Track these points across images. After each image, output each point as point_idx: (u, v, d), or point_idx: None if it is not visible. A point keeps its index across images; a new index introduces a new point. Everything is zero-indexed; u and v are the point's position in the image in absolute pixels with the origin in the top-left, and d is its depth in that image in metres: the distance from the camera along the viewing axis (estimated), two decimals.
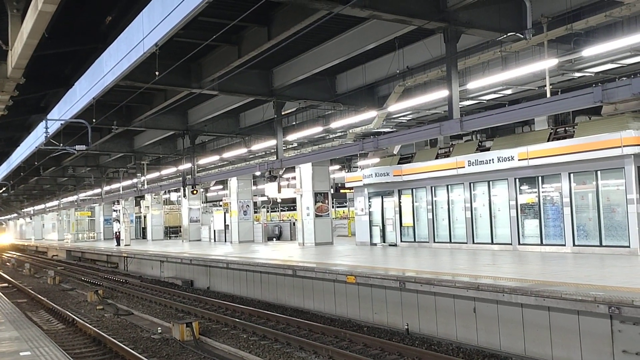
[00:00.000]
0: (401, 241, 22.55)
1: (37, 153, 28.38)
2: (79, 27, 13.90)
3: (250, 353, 11.00)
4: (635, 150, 14.72)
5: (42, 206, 72.55)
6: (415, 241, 21.94)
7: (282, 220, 45.82)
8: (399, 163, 22.76)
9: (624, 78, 12.76)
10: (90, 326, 13.79)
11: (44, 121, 20.41)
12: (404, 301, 12.48)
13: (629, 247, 14.95)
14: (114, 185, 51.53)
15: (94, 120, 20.39)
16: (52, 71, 17.05)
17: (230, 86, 21.20)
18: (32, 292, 22.07)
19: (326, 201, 25.97)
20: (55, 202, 65.16)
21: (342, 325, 13.28)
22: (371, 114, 22.37)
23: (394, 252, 19.79)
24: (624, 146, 14.80)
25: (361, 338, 11.53)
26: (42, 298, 19.83)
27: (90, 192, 57.34)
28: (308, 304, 15.65)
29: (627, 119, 15.21)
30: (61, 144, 21.89)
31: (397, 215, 22.68)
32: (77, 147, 20.87)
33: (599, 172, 15.79)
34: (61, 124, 21.42)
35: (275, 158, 24.63)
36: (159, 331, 13.40)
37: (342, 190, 38.19)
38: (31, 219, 77.26)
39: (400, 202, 22.60)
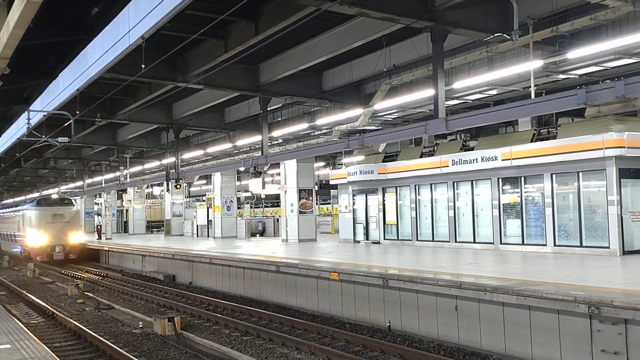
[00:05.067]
0: (384, 239, 22.64)
1: (19, 144, 28.05)
2: (65, 17, 13.74)
3: (232, 348, 10.98)
4: (617, 152, 14.90)
5: (22, 198, 71.64)
6: (398, 239, 22.03)
7: (266, 216, 45.74)
8: (383, 161, 22.82)
9: (608, 81, 12.94)
10: (70, 320, 13.66)
11: (26, 112, 20.20)
12: (387, 298, 12.53)
13: (608, 247, 15.14)
14: (96, 178, 51.13)
15: (77, 112, 20.22)
16: (36, 62, 16.84)
17: (216, 81, 21.12)
18: (12, 284, 21.82)
19: (310, 198, 25.98)
20: (36, 195, 64.43)
21: (325, 321, 13.31)
22: (357, 111, 22.41)
23: (377, 250, 19.85)
24: (605, 148, 14.97)
25: (343, 335, 11.57)
26: (22, 291, 19.61)
27: (72, 185, 56.79)
28: (291, 301, 15.65)
29: (609, 122, 15.39)
30: (43, 136, 21.69)
31: (381, 213, 22.75)
32: (60, 139, 20.72)
33: (580, 174, 15.96)
34: (44, 115, 21.19)
35: (260, 154, 24.59)
36: (141, 326, 13.33)
37: (326, 183, 38.22)
38: None
39: (384, 200, 22.67)
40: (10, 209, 40.26)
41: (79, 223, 34.24)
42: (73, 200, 35.46)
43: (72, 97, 19.31)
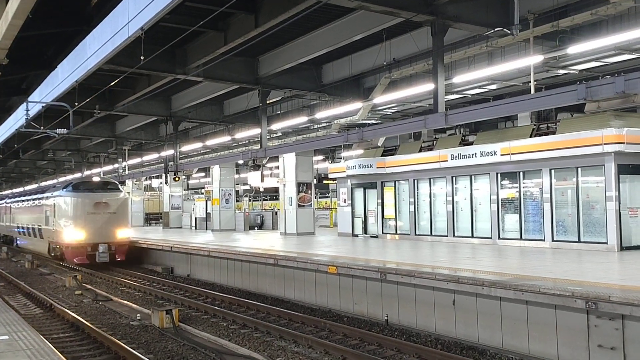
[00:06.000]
0: (382, 233, 22.65)
1: (17, 135, 27.99)
2: (64, 8, 13.69)
3: (230, 341, 11.00)
4: (616, 148, 14.91)
5: (20, 189, 71.61)
6: (396, 233, 22.06)
7: (264, 209, 45.77)
8: (382, 155, 22.82)
9: (608, 76, 12.90)
10: (68, 311, 13.67)
11: (24, 103, 20.13)
12: (384, 292, 12.55)
13: (606, 243, 15.17)
14: (95, 170, 51.03)
15: (75, 104, 20.15)
16: (35, 53, 16.80)
17: (215, 73, 21.05)
18: (10, 276, 21.83)
19: (309, 191, 25.97)
20: (35, 186, 64.43)
21: (322, 315, 13.33)
22: (356, 105, 22.38)
23: (375, 244, 19.87)
24: (604, 144, 14.98)
25: (341, 328, 11.59)
26: (20, 282, 19.62)
27: (70, 177, 56.73)
28: (289, 294, 15.67)
29: (609, 117, 15.38)
30: (42, 127, 21.62)
31: (380, 207, 22.76)
32: (58, 130, 20.66)
33: (579, 169, 15.98)
34: (42, 106, 21.13)
35: (259, 147, 24.55)
36: (138, 318, 13.34)
37: (325, 181, 38.25)
38: None
39: (382, 194, 22.68)
40: (33, 197, 30.82)
41: (127, 215, 26.74)
42: (119, 185, 27.29)
43: (71, 88, 19.24)
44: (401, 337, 10.96)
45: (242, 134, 31.53)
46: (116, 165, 41.17)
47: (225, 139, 33.45)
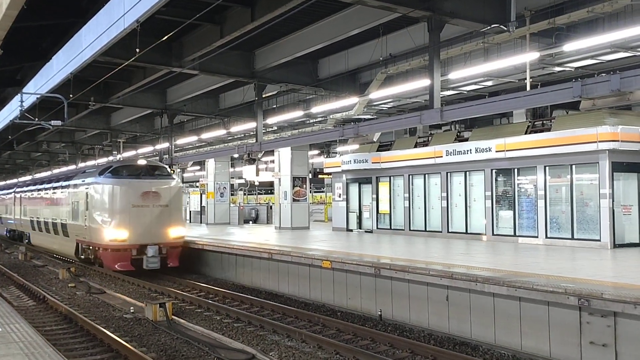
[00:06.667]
0: (377, 228, 22.69)
1: (11, 127, 27.87)
2: None
3: (224, 335, 11.00)
4: (610, 146, 14.95)
5: (14, 180, 71.30)
6: (391, 228, 22.09)
7: (259, 203, 45.75)
8: (378, 150, 22.83)
9: (603, 74, 12.95)
10: (61, 304, 13.65)
11: (19, 94, 20.06)
12: (378, 287, 12.57)
13: (599, 240, 15.23)
14: (89, 162, 50.91)
15: (70, 96, 20.09)
16: (30, 44, 16.71)
17: (211, 66, 21.02)
18: (3, 267, 21.75)
19: (304, 186, 25.97)
20: (29, 177, 64.23)
21: (316, 309, 13.35)
22: (352, 100, 22.38)
23: (369, 239, 19.90)
24: (599, 141, 15.01)
25: (334, 323, 11.61)
26: (13, 274, 19.56)
27: (64, 169, 56.59)
28: (283, 288, 15.68)
29: (603, 115, 15.42)
30: (36, 119, 21.54)
31: (374, 202, 22.78)
32: (53, 122, 20.59)
33: (573, 166, 16.02)
34: (37, 98, 21.05)
35: (254, 141, 24.54)
36: (132, 311, 13.33)
37: (320, 176, 38.24)
38: None
39: (377, 189, 22.70)
40: (55, 185, 25.18)
41: (182, 208, 21.46)
42: (169, 170, 22.00)
43: (66, 80, 19.17)
44: (394, 332, 10.99)
45: (238, 128, 31.50)
46: (111, 158, 41.04)
47: (220, 132, 33.42)
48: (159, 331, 11.42)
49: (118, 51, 17.68)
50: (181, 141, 37.57)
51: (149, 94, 28.02)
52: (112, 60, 18.69)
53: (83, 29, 15.02)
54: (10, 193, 34.44)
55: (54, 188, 24.96)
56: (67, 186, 22.70)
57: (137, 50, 14.81)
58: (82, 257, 20.93)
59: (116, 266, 18.55)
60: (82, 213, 20.34)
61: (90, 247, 19.83)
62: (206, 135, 34.88)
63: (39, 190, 27.53)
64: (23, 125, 25.85)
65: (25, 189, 30.65)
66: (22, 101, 19.97)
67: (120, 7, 13.23)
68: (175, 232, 19.32)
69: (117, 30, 14.06)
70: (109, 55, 18.17)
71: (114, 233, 18.49)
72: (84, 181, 20.72)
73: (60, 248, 24.13)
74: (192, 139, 36.67)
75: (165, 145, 32.54)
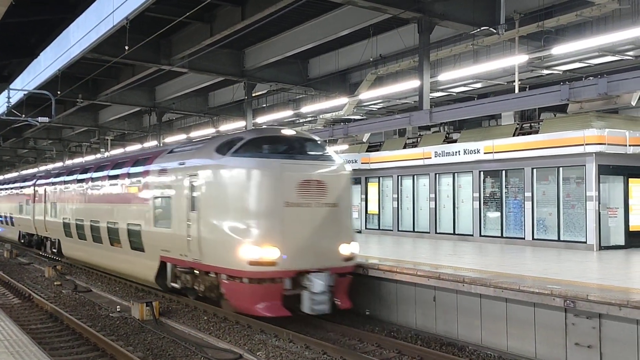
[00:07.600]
0: (365, 228, 22.72)
1: None
2: None
3: (211, 335, 10.97)
4: (597, 148, 15.05)
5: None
6: (379, 229, 22.13)
7: None
8: (367, 151, 22.85)
9: (591, 78, 13.05)
10: (47, 302, 13.54)
11: (6, 91, 19.86)
12: (366, 288, 12.57)
13: (585, 242, 15.35)
14: (77, 160, 50.61)
15: (58, 92, 19.97)
16: (17, 40, 16.55)
17: (200, 64, 20.96)
18: None
19: None
20: (15, 174, 63.70)
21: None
22: (342, 100, 22.40)
23: (357, 239, 19.88)
24: (586, 144, 15.11)
25: (322, 322, 11.59)
26: None
27: (51, 166, 56.19)
28: None
29: (591, 118, 15.53)
30: (23, 115, 21.37)
31: (363, 203, 22.81)
32: (40, 119, 20.41)
33: (560, 169, 16.12)
34: (24, 94, 20.89)
35: None
36: (118, 310, 13.24)
37: None
38: None
39: (366, 190, 22.73)
40: (113, 170, 16.77)
41: (351, 210, 12.58)
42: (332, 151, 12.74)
43: (54, 76, 19.08)
44: (382, 333, 11.02)
45: (227, 127, 31.40)
46: (98, 156, 40.83)
47: (209, 131, 33.30)
48: (145, 330, 11.36)
49: (107, 48, 17.60)
50: (170, 139, 37.40)
51: (137, 91, 27.89)
52: (101, 57, 18.61)
53: (72, 25, 14.92)
54: (27, 187, 25.96)
55: (112, 177, 16.76)
56: (141, 173, 14.69)
57: (126, 47, 14.76)
58: (175, 285, 13.43)
59: (258, 308, 10.93)
60: (179, 215, 12.62)
61: (198, 273, 12.40)
62: (195, 134, 34.76)
63: (80, 181, 19.21)
64: (10, 122, 25.64)
65: (53, 180, 22.17)
66: (9, 97, 19.79)
67: (110, 4, 13.20)
68: (345, 249, 11.80)
69: (106, 27, 14.02)
70: (98, 52, 18.08)
71: (253, 252, 10.85)
72: (182, 164, 12.77)
73: (124, 267, 16.22)
74: (181, 137, 36.54)
75: (154, 143, 32.40)
